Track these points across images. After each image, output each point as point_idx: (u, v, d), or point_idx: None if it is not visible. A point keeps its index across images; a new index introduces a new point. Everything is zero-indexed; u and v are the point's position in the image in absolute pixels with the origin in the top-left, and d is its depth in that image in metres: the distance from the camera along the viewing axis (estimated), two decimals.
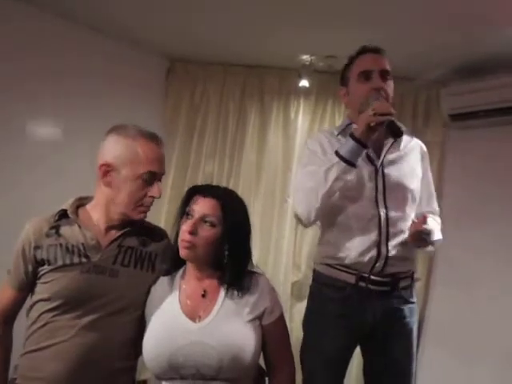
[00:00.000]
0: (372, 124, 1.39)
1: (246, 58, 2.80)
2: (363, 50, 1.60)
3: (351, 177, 1.46)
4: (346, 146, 1.44)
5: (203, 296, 1.29)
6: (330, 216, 1.58)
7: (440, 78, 2.61)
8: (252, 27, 2.34)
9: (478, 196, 2.50)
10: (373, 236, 1.52)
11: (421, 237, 1.48)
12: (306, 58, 2.62)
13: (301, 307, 2.69)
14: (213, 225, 1.27)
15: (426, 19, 2.04)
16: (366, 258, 1.51)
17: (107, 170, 1.30)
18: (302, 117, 2.90)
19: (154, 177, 1.32)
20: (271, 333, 1.31)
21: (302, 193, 1.54)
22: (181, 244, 1.27)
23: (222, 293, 1.29)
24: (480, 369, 2.34)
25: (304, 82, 2.72)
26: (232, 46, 2.64)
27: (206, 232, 1.27)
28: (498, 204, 2.42)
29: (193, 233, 1.26)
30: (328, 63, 2.61)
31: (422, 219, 1.47)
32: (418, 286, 2.48)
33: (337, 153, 1.45)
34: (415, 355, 1.61)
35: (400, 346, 1.57)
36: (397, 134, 1.46)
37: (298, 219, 1.61)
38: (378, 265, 1.51)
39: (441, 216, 1.75)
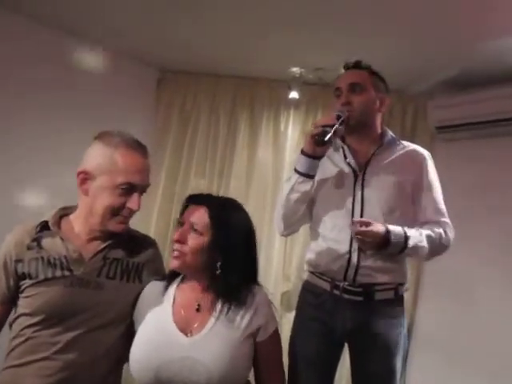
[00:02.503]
0: (313, 135, 1.46)
1: (237, 70, 2.82)
2: (344, 68, 1.67)
3: (307, 187, 1.55)
4: (299, 160, 1.54)
5: (197, 310, 1.25)
6: (312, 225, 1.67)
7: (427, 91, 2.65)
8: (243, 39, 2.36)
9: (464, 206, 2.52)
10: (344, 245, 1.54)
11: (363, 239, 1.45)
12: (295, 70, 2.65)
13: (290, 318, 2.67)
14: (200, 233, 1.25)
15: (414, 33, 2.07)
16: (337, 266, 1.55)
17: (85, 177, 1.25)
18: (291, 128, 2.93)
19: (133, 188, 1.26)
20: (264, 349, 1.28)
21: (277, 204, 1.67)
22: (171, 254, 1.26)
23: (217, 308, 1.24)
24: (470, 378, 2.34)
25: (294, 94, 2.75)
26: (223, 57, 2.65)
27: (193, 240, 1.25)
28: (484, 214, 2.45)
29: (180, 241, 1.24)
30: (317, 75, 2.64)
31: (363, 222, 1.45)
32: (407, 295, 2.48)
33: (295, 169, 1.56)
34: (398, 370, 1.58)
35: (377, 362, 1.55)
36: (320, 142, 1.47)
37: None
38: (348, 273, 1.54)
39: None
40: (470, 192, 2.52)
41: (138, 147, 1.29)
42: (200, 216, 1.26)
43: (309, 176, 1.53)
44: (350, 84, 1.59)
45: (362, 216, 1.54)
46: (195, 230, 1.25)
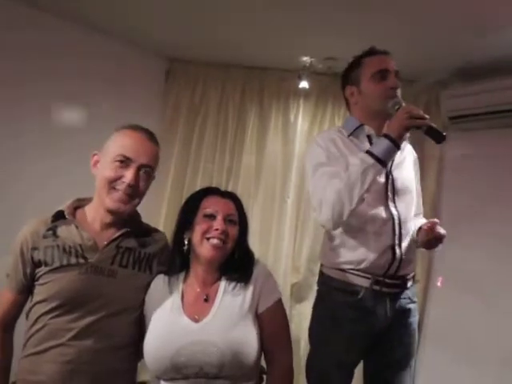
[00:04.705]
0: (409, 127, 1.39)
1: (246, 60, 2.80)
2: (373, 51, 1.59)
3: (382, 179, 1.47)
4: (380, 146, 1.40)
5: (206, 300, 1.29)
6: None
7: (440, 81, 2.62)
8: (252, 29, 2.34)
9: (477, 198, 2.50)
10: (388, 239, 1.50)
11: (436, 242, 1.49)
12: (305, 59, 2.62)
13: (300, 309, 2.70)
14: (235, 223, 1.34)
15: (426, 22, 2.04)
16: (382, 261, 1.50)
17: (96, 160, 1.34)
18: (301, 119, 2.91)
19: (129, 162, 1.29)
20: (267, 318, 1.30)
21: (331, 194, 1.42)
22: (213, 245, 1.29)
23: (221, 290, 1.30)
24: (479, 370, 2.34)
25: (304, 84, 2.72)
26: (232, 47, 2.64)
27: (232, 230, 1.32)
28: (497, 206, 2.42)
29: (225, 232, 1.30)
30: (327, 65, 2.61)
31: (434, 225, 1.46)
32: (418, 288, 2.48)
33: (371, 154, 1.40)
34: (415, 352, 1.65)
35: (403, 345, 1.59)
36: (440, 139, 1.39)
37: (324, 222, 1.48)
38: (392, 267, 1.50)
39: (440, 218, 1.75)
40: (482, 182, 2.49)
41: (142, 130, 1.35)
42: (231, 208, 1.35)
43: (386, 166, 1.43)
44: (396, 71, 1.55)
45: (396, 207, 1.54)
46: (231, 221, 1.33)
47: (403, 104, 1.48)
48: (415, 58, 2.38)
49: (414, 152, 1.74)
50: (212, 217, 1.31)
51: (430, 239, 1.49)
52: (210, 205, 1.34)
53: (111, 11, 2.32)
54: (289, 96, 2.89)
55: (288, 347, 1.35)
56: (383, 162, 1.39)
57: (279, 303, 1.35)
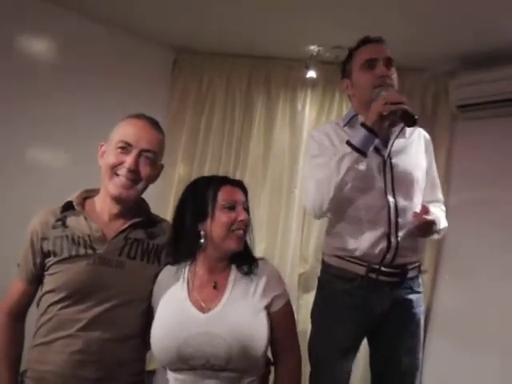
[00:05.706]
0: (384, 113, 1.39)
1: (253, 49, 2.78)
2: (364, 41, 1.60)
3: (363, 167, 1.46)
4: (358, 135, 1.44)
5: (214, 287, 1.29)
6: (339, 207, 1.55)
7: (448, 70, 2.58)
8: (259, 18, 2.32)
9: (486, 186, 2.48)
10: (382, 227, 1.51)
11: (426, 227, 1.50)
12: (313, 48, 2.60)
13: (308, 299, 2.70)
14: (247, 211, 1.35)
15: (434, 11, 2.01)
16: (377, 249, 1.51)
17: (104, 150, 1.35)
18: (308, 108, 2.88)
19: (130, 148, 1.30)
20: (278, 319, 1.30)
21: (313, 184, 1.51)
22: (238, 236, 1.30)
23: (231, 282, 1.30)
24: (486, 359, 2.34)
25: (311, 73, 2.70)
26: (238, 36, 2.62)
27: (247, 219, 1.33)
28: (505, 194, 2.40)
29: (247, 222, 1.32)
30: (335, 54, 2.59)
31: (424, 210, 1.49)
32: (426, 277, 2.48)
33: (349, 143, 1.45)
34: (422, 344, 1.63)
35: (408, 336, 1.59)
36: (411, 123, 1.42)
37: (308, 211, 1.59)
38: (388, 256, 1.51)
39: (448, 207, 1.75)
40: (491, 170, 2.47)
41: (144, 118, 1.36)
42: (242, 196, 1.35)
43: (363, 153, 1.44)
44: (387, 58, 1.54)
45: (394, 195, 1.53)
46: (244, 209, 1.33)
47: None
48: (423, 46, 2.34)
49: (426, 135, 1.70)
50: (232, 208, 1.30)
51: (416, 226, 1.50)
52: (228, 196, 1.31)
53: (116, 2, 2.31)
54: (296, 85, 2.87)
55: (296, 346, 1.37)
56: (361, 150, 1.43)
57: (289, 303, 1.36)
